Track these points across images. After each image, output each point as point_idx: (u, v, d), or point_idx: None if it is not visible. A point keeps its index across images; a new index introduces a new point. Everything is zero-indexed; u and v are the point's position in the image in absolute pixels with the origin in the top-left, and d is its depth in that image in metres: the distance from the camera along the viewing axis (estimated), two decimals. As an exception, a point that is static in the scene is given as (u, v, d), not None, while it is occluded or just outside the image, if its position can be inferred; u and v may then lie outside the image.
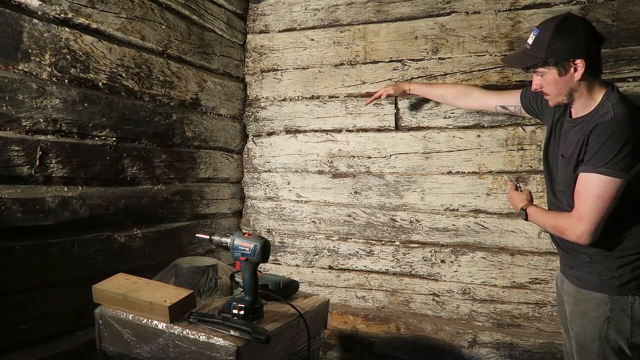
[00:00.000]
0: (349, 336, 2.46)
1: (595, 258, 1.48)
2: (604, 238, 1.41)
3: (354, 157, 2.50)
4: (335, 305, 2.50)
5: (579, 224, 1.40)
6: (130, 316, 1.47)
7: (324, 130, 2.57)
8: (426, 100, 2.33)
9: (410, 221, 2.39)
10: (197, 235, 1.65)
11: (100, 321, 1.52)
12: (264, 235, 2.40)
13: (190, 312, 1.45)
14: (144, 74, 2.00)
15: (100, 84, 1.81)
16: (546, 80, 1.49)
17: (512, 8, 2.16)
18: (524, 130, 2.17)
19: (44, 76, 1.59)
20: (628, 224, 1.44)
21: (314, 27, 2.57)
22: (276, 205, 2.69)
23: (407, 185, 2.39)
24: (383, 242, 2.46)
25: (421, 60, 2.34)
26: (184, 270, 1.67)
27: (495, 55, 2.19)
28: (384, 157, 2.44)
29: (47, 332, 1.63)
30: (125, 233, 1.94)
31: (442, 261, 2.33)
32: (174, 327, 1.40)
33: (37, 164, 1.58)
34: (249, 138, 2.76)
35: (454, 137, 2.29)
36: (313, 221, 2.60)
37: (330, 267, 2.58)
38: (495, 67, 2.20)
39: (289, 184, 2.65)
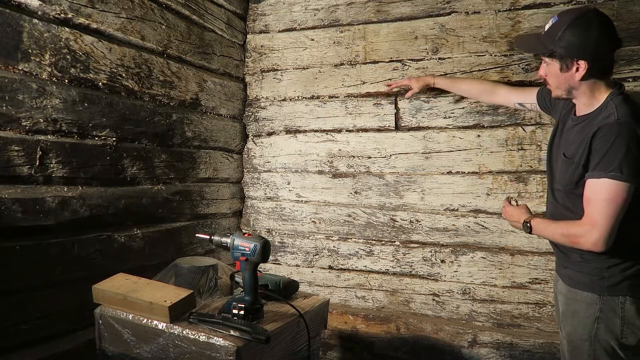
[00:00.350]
0: (349, 336, 2.46)
1: (585, 257, 1.48)
2: None
3: (354, 157, 2.51)
4: (335, 305, 2.50)
5: (593, 230, 1.36)
6: (130, 316, 1.47)
7: (324, 130, 2.57)
8: (426, 101, 2.33)
9: (410, 221, 2.39)
10: (197, 235, 1.65)
11: (100, 321, 1.52)
12: (264, 235, 2.40)
13: (190, 312, 1.45)
14: (144, 74, 2.00)
15: (100, 84, 1.81)
16: (550, 70, 1.48)
17: (512, 8, 2.16)
18: (524, 130, 2.17)
19: (44, 76, 1.59)
20: (620, 225, 1.41)
21: (314, 27, 2.57)
22: (276, 205, 2.69)
23: (407, 185, 2.39)
24: (383, 242, 2.46)
25: (421, 60, 2.34)
26: (184, 270, 1.67)
27: (495, 55, 2.19)
28: (384, 157, 2.44)
29: (47, 332, 1.63)
30: (125, 233, 1.94)
31: (442, 261, 2.33)
32: (174, 327, 1.40)
33: (37, 164, 1.58)
34: (249, 138, 2.76)
35: (454, 137, 2.29)
36: (313, 221, 2.60)
37: (330, 267, 2.58)
38: (495, 67, 2.20)
39: (289, 184, 2.65)
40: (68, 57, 1.67)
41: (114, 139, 1.88)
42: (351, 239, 2.53)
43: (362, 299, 2.51)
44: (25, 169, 1.55)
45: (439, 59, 2.30)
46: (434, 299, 2.36)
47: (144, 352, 1.44)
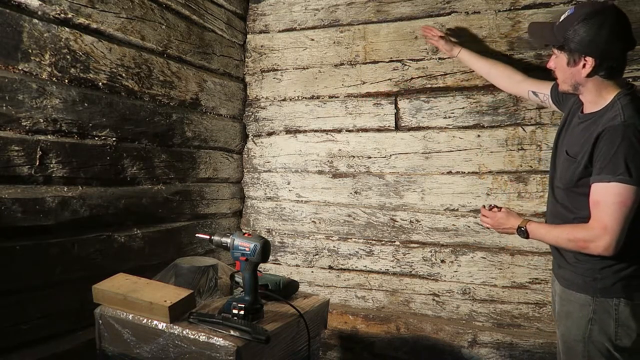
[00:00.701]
0: (349, 336, 2.46)
1: (579, 258, 1.47)
2: None
3: (354, 157, 2.51)
4: (335, 305, 2.50)
5: (604, 234, 1.33)
6: (130, 316, 1.47)
7: (324, 130, 2.57)
8: (426, 100, 2.34)
9: (410, 221, 2.39)
10: (197, 235, 1.65)
11: (100, 321, 1.52)
12: (264, 235, 2.40)
13: (190, 312, 1.45)
14: (144, 74, 2.00)
15: (100, 84, 1.81)
16: (558, 63, 1.47)
17: (512, 8, 2.16)
18: (524, 130, 2.17)
19: (44, 76, 1.59)
20: None
21: (314, 27, 2.57)
22: (276, 205, 2.69)
23: (407, 185, 2.39)
24: (383, 242, 2.46)
25: (421, 60, 2.34)
26: (184, 270, 1.67)
27: (495, 55, 2.19)
28: (384, 157, 2.44)
29: (47, 332, 1.63)
30: (125, 233, 1.94)
31: (442, 261, 2.33)
32: (174, 327, 1.40)
33: (37, 164, 1.58)
34: (249, 138, 2.76)
35: (454, 137, 2.29)
36: (313, 221, 2.60)
37: (330, 267, 2.58)
38: (495, 67, 2.20)
39: (289, 184, 2.65)
40: (68, 57, 1.67)
41: (114, 139, 1.88)
42: (351, 239, 2.53)
43: (362, 299, 2.51)
44: (25, 169, 1.55)
45: (439, 59, 2.30)
46: (434, 299, 2.36)
47: (144, 352, 1.44)
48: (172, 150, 2.21)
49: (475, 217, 2.26)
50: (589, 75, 1.40)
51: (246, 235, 1.51)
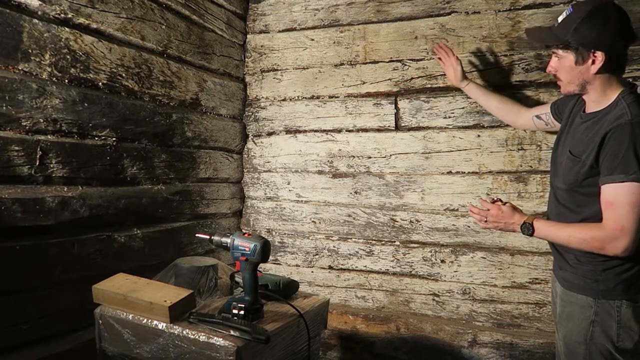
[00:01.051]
0: (349, 336, 2.46)
1: (581, 260, 1.46)
2: None
3: (354, 157, 2.51)
4: (335, 305, 2.50)
5: (622, 236, 1.31)
6: (130, 316, 1.47)
7: (324, 130, 2.57)
8: (426, 100, 2.33)
9: (410, 221, 2.39)
10: (197, 235, 1.65)
11: (100, 321, 1.52)
12: (264, 235, 2.40)
13: (190, 312, 1.45)
14: (144, 74, 2.00)
15: (100, 84, 1.81)
16: (562, 64, 1.44)
17: (512, 8, 2.16)
18: (524, 130, 2.16)
19: (44, 76, 1.59)
20: None
21: (314, 27, 2.57)
22: (276, 205, 2.69)
23: (407, 185, 2.39)
24: (383, 242, 2.46)
25: (421, 60, 2.34)
26: (184, 270, 1.67)
27: (495, 55, 2.19)
28: (384, 157, 2.44)
29: (47, 332, 1.63)
30: (125, 233, 1.94)
31: (442, 261, 2.33)
32: (174, 327, 1.40)
33: (37, 164, 1.58)
34: (249, 138, 2.76)
35: (454, 137, 2.29)
36: (313, 221, 2.60)
37: (330, 267, 2.58)
38: (495, 67, 2.20)
39: (289, 184, 2.65)
40: (68, 57, 1.67)
41: (114, 139, 1.88)
42: (351, 239, 2.53)
43: (362, 299, 2.51)
44: (25, 169, 1.55)
45: (439, 59, 2.29)
46: (434, 299, 2.36)
47: (144, 352, 1.44)
48: (172, 150, 2.21)
49: (475, 217, 2.26)
50: (597, 72, 1.39)
51: (246, 235, 1.51)
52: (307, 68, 2.59)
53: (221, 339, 1.33)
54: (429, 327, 2.31)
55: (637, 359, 1.42)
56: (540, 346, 2.10)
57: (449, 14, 2.27)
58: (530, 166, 2.16)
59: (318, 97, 2.58)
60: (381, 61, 2.42)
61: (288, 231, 2.67)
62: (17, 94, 1.50)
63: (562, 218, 1.53)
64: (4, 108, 1.47)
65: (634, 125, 1.31)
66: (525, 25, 2.12)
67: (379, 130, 2.45)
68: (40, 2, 1.56)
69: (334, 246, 2.56)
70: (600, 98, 1.44)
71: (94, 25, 1.76)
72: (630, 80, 1.97)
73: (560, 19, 1.44)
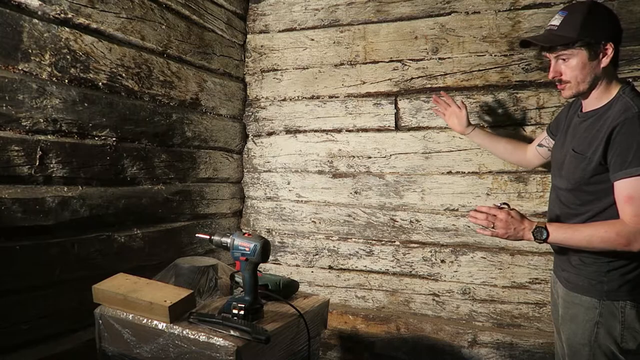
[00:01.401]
0: (349, 336, 2.46)
1: (585, 261, 1.45)
2: None
3: (354, 157, 2.51)
4: (335, 305, 2.50)
5: None
6: (130, 316, 1.47)
7: (324, 130, 2.57)
8: (426, 100, 2.33)
9: (410, 221, 2.39)
10: (197, 235, 1.64)
11: (100, 321, 1.52)
12: (264, 235, 2.40)
13: (190, 312, 1.45)
14: (144, 74, 2.00)
15: (100, 84, 1.81)
16: (570, 65, 1.42)
17: (512, 8, 2.16)
18: (524, 130, 2.17)
19: (44, 76, 1.59)
20: None
21: (314, 27, 2.57)
22: (276, 205, 2.69)
23: (407, 185, 2.39)
24: (383, 242, 2.46)
25: (421, 60, 2.34)
26: (184, 270, 1.67)
27: (495, 55, 2.19)
28: (384, 157, 2.44)
29: (47, 332, 1.63)
30: (125, 233, 1.94)
31: (442, 261, 2.33)
32: (174, 327, 1.40)
33: (37, 164, 1.58)
34: (249, 138, 2.76)
35: (454, 137, 2.29)
36: (313, 221, 2.60)
37: (330, 267, 2.58)
38: (495, 67, 2.20)
39: (289, 184, 2.65)
40: (68, 57, 1.67)
41: (114, 139, 1.88)
42: (351, 239, 2.53)
43: (362, 299, 2.51)
44: (25, 169, 1.55)
45: (439, 59, 2.30)
46: (434, 299, 2.36)
47: (144, 352, 1.44)
48: (172, 150, 2.21)
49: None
50: (606, 65, 1.40)
51: (246, 235, 1.51)
52: (307, 68, 2.59)
53: (221, 339, 1.33)
54: (429, 327, 2.31)
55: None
56: (540, 346, 2.10)
57: (449, 14, 2.28)
58: (530, 166, 2.16)
59: (318, 97, 2.58)
60: (381, 61, 2.42)
61: (288, 231, 2.67)
62: (17, 94, 1.50)
63: (565, 219, 1.51)
64: (4, 108, 1.47)
65: None
66: (525, 25, 2.13)
67: (379, 130, 2.45)
68: (40, 2, 1.56)
69: (334, 246, 2.56)
70: (601, 95, 1.44)
71: (94, 25, 1.76)
72: (630, 80, 1.97)
73: (556, 22, 1.43)
